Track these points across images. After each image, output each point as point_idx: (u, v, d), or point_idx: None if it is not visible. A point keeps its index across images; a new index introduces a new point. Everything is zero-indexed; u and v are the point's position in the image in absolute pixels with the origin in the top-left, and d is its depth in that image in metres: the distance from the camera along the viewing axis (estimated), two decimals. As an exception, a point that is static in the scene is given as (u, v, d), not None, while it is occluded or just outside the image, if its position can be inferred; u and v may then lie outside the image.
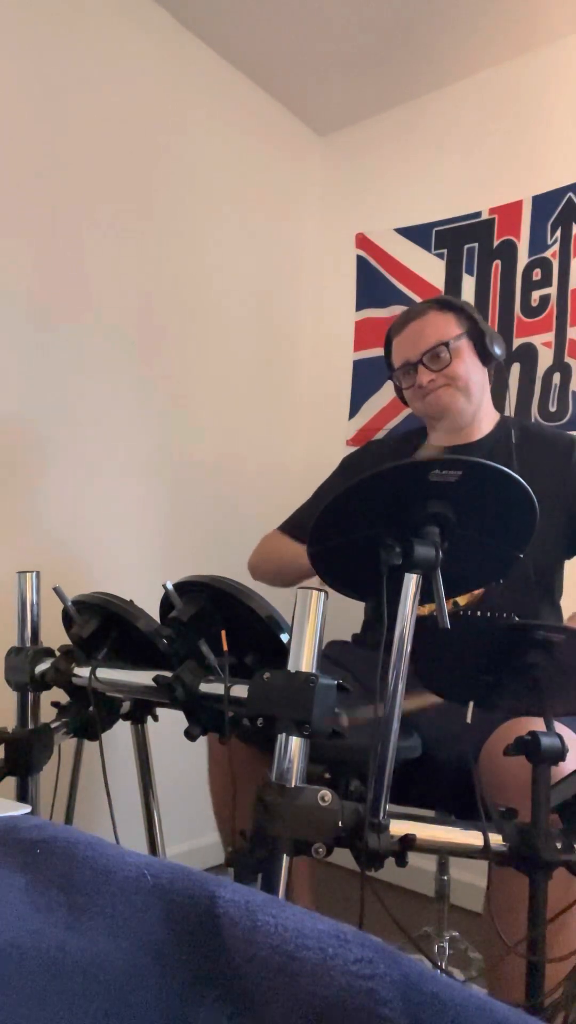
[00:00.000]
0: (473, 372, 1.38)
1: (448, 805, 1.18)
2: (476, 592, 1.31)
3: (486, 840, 0.77)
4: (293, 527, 1.53)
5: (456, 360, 1.35)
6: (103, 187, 1.86)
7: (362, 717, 0.84)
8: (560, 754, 0.78)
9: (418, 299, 2.20)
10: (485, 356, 1.38)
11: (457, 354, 1.36)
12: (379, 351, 2.33)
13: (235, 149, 2.25)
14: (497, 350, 1.38)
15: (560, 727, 0.83)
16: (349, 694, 0.83)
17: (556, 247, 1.99)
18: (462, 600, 1.32)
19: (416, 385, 1.38)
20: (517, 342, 2.04)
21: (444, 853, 1.26)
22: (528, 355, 2.02)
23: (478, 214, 2.15)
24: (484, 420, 1.43)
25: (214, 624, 0.92)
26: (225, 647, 0.89)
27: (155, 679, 0.92)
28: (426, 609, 1.28)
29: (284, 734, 0.76)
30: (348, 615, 1.43)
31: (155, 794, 1.28)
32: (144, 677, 0.95)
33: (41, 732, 1.10)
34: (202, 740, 1.00)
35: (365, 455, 1.60)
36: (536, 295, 2.02)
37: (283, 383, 2.46)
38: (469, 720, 0.92)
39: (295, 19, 2.03)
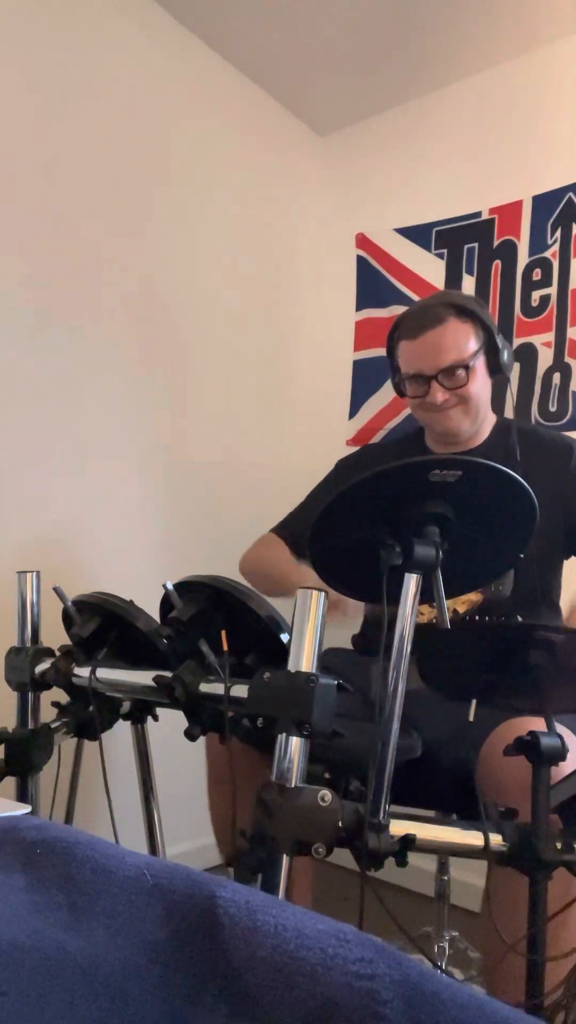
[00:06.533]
0: (483, 390, 1.35)
1: (448, 805, 1.18)
2: (475, 599, 1.31)
3: (486, 840, 0.77)
4: (287, 530, 1.52)
5: (471, 380, 1.31)
6: (103, 187, 1.86)
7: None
8: (560, 754, 0.78)
9: (418, 299, 2.19)
10: (494, 367, 1.35)
11: (473, 373, 1.31)
12: (379, 351, 2.34)
13: (235, 149, 2.25)
14: (506, 362, 1.35)
15: (560, 727, 0.83)
16: (349, 695, 0.83)
17: (556, 247, 1.99)
18: (461, 607, 1.32)
19: (430, 402, 1.33)
20: (517, 342, 2.04)
21: (444, 853, 1.26)
22: (528, 355, 2.02)
23: (478, 214, 2.15)
24: (483, 427, 1.42)
25: (214, 624, 0.92)
26: (225, 647, 0.89)
27: (155, 679, 0.92)
28: (425, 617, 1.28)
29: (284, 734, 0.76)
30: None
31: (155, 794, 1.28)
32: (144, 677, 0.96)
33: (41, 732, 1.11)
34: (202, 740, 1.00)
35: (362, 457, 1.59)
36: (536, 295, 2.02)
37: (283, 383, 2.46)
38: (472, 719, 0.92)
39: (295, 19, 2.03)
